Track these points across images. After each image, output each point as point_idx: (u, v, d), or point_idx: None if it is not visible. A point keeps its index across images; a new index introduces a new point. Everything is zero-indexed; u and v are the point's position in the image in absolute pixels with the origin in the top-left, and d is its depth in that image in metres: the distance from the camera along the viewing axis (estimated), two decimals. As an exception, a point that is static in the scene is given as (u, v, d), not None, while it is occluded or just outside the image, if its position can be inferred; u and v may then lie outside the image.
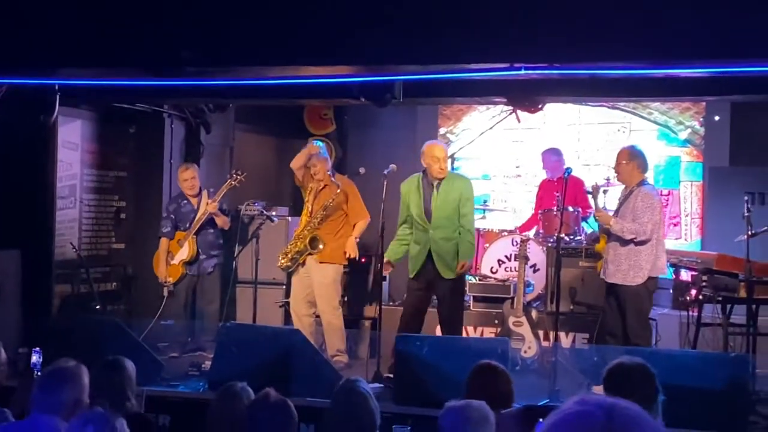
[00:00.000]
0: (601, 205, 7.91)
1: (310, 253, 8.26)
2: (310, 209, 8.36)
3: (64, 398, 4.15)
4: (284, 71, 7.20)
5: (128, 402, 4.61)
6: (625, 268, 7.23)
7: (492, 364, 4.83)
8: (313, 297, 8.38)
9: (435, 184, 7.81)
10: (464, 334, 8.86)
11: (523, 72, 6.22)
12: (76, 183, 9.51)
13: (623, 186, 7.58)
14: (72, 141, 9.39)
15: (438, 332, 8.11)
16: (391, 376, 7.07)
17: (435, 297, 8.08)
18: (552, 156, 9.85)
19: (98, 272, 9.67)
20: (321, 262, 8.28)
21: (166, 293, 8.84)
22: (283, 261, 8.39)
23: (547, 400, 6.59)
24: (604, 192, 8.49)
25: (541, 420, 3.24)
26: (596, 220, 7.62)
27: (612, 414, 1.43)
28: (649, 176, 10.56)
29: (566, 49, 6.01)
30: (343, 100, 8.39)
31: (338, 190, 8.20)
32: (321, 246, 8.20)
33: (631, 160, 7.40)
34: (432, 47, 6.28)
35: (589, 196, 8.20)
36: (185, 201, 8.99)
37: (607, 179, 8.91)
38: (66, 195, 9.30)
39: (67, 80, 7.86)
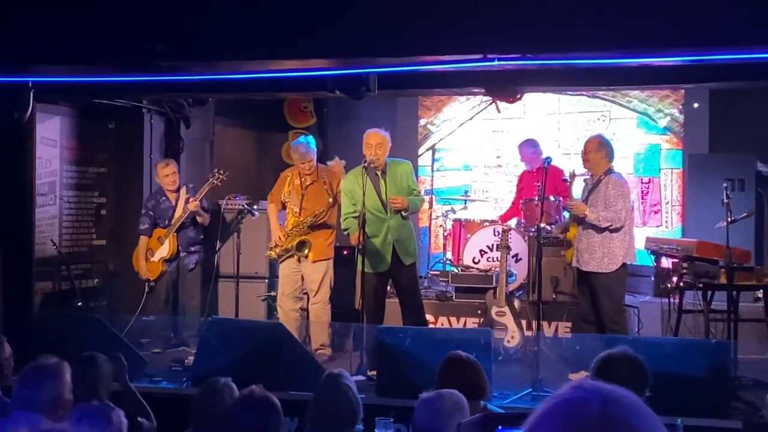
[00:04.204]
0: (574, 194, 7.95)
1: (294, 254, 8.22)
2: (297, 209, 8.31)
3: (45, 395, 4.14)
4: (258, 65, 7.18)
5: (97, 398, 4.57)
6: (599, 256, 7.31)
7: (460, 355, 4.82)
8: (300, 293, 8.37)
9: (379, 173, 7.80)
10: (447, 325, 8.90)
11: (496, 63, 6.22)
12: (55, 180, 9.46)
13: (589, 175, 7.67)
14: (51, 137, 9.33)
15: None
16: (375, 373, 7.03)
17: (393, 285, 8.08)
18: (528, 148, 9.86)
19: (79, 269, 9.63)
20: (314, 261, 8.25)
21: (147, 289, 8.82)
22: (271, 253, 8.38)
23: (527, 393, 6.62)
24: (585, 181, 8.52)
25: (500, 427, 3.23)
26: (569, 210, 7.67)
27: (608, 402, 1.40)
28: (630, 164, 10.69)
29: (539, 39, 6.01)
30: (318, 93, 8.36)
31: (330, 200, 8.16)
32: (307, 251, 8.17)
33: (600, 149, 7.48)
34: (405, 39, 6.28)
35: (567, 184, 8.24)
36: (164, 197, 8.96)
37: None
38: (45, 192, 9.24)
39: (41, 77, 7.80)
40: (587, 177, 8.50)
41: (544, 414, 1.43)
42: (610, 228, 7.27)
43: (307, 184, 8.30)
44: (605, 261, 7.30)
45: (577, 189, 7.92)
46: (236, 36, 6.61)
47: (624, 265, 7.38)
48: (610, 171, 7.46)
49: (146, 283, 8.83)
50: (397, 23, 6.28)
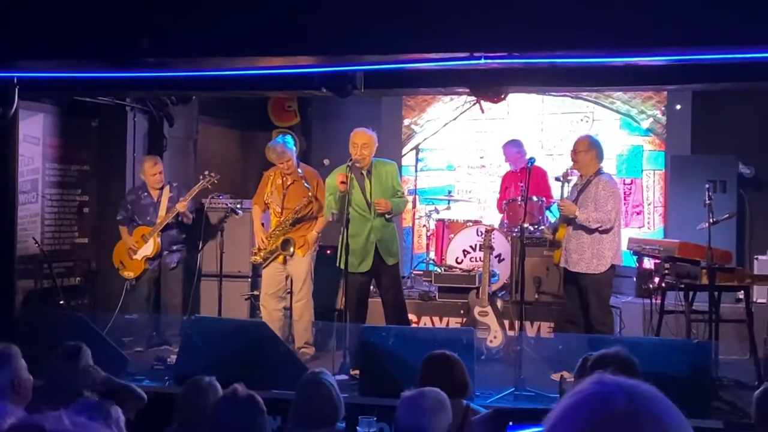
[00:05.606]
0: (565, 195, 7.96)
1: (281, 254, 8.22)
2: (279, 209, 8.29)
3: (3, 380, 4.17)
4: (244, 62, 7.16)
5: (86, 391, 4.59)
6: (588, 257, 7.33)
7: (444, 353, 4.84)
8: (284, 293, 8.37)
9: (364, 173, 7.80)
10: (430, 325, 8.91)
11: (483, 61, 6.22)
12: (38, 177, 9.42)
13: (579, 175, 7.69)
14: (33, 135, 9.30)
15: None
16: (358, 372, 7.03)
17: (376, 285, 8.08)
18: (513, 148, 9.88)
19: (61, 267, 9.59)
20: (303, 255, 8.24)
21: (128, 287, 8.78)
22: (256, 258, 8.36)
23: (509, 392, 6.64)
24: (567, 181, 8.53)
25: (511, 423, 3.23)
26: (560, 210, 7.67)
27: (633, 396, 1.39)
28: (612, 165, 10.72)
29: (526, 37, 6.01)
30: (305, 91, 8.34)
31: (309, 194, 8.14)
32: (293, 249, 8.16)
33: (590, 149, 7.51)
34: (391, 37, 6.27)
35: (558, 183, 8.25)
36: (146, 193, 8.93)
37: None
38: (28, 190, 9.20)
39: (26, 73, 7.76)
40: (571, 177, 8.53)
41: (568, 409, 1.41)
42: (600, 229, 7.30)
43: (288, 183, 8.29)
44: (594, 262, 7.33)
45: (566, 190, 7.92)
46: (221, 32, 6.59)
47: (612, 266, 7.41)
48: (599, 172, 7.49)
49: (127, 281, 8.80)
50: (384, 21, 6.27)
